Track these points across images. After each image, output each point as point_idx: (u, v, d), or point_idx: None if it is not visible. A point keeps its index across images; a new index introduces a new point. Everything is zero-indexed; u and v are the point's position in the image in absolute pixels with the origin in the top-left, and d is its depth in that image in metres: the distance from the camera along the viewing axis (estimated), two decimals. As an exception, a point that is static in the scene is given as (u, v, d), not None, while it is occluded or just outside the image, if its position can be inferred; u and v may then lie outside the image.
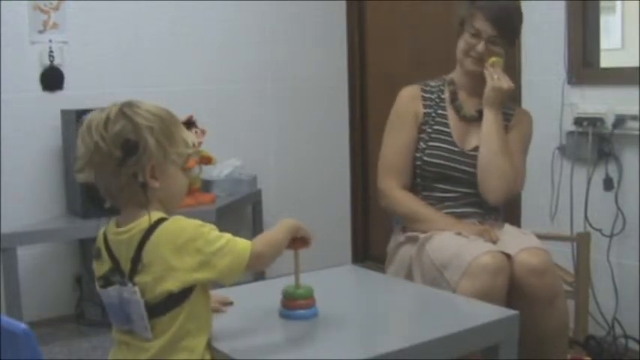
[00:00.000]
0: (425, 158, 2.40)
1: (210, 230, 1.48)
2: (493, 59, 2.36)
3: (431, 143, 2.41)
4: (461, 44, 2.41)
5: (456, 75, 2.49)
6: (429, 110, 2.46)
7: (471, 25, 2.36)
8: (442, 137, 2.42)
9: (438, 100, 2.47)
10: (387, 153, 2.47)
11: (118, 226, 1.51)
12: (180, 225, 1.47)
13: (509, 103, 2.50)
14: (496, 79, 2.34)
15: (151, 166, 1.46)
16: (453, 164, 2.39)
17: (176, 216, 1.49)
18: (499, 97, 2.36)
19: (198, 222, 1.48)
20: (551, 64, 3.04)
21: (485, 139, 2.35)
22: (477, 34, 2.36)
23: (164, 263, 1.44)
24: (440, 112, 2.45)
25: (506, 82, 2.35)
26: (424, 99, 2.47)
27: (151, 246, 1.45)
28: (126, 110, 1.46)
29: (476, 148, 2.38)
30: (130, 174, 1.45)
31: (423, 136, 2.43)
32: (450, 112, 2.45)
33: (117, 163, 1.44)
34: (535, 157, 2.96)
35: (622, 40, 3.26)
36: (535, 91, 3.14)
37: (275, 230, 1.62)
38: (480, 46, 2.36)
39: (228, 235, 1.49)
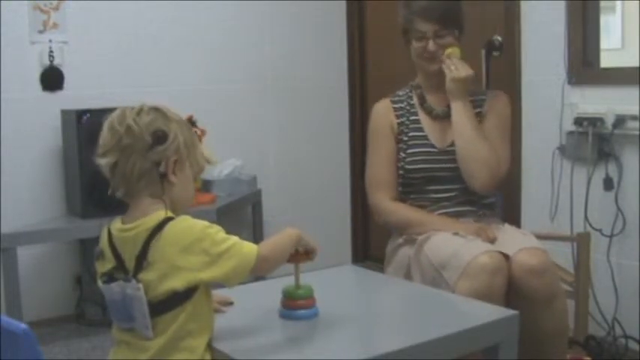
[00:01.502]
0: (407, 167, 2.41)
1: (218, 232, 1.49)
2: (449, 50, 2.38)
3: (409, 150, 2.43)
4: (412, 51, 2.44)
5: (420, 79, 2.52)
6: (402, 119, 2.48)
7: (414, 30, 2.39)
8: (419, 142, 2.43)
9: (408, 107, 2.49)
10: (371, 169, 2.50)
11: (124, 223, 1.51)
12: (188, 224, 1.48)
13: (478, 89, 2.50)
14: (453, 69, 2.35)
15: (175, 159, 1.51)
16: (435, 165, 2.40)
17: (183, 215, 1.51)
18: (460, 87, 2.36)
19: (205, 223, 1.49)
20: (551, 64, 3.04)
21: (458, 129, 2.36)
22: (422, 36, 2.38)
23: (169, 262, 1.45)
24: (412, 118, 2.47)
25: (464, 71, 2.36)
26: (395, 109, 2.50)
27: (158, 244, 1.46)
28: (158, 107, 1.54)
29: (453, 143, 2.39)
30: (155, 161, 1.49)
31: (401, 145, 2.45)
32: (422, 116, 2.47)
33: (145, 148, 1.48)
34: (535, 157, 2.97)
35: (622, 40, 3.25)
36: (535, 91, 3.14)
37: (279, 236, 1.63)
38: (430, 45, 2.38)
39: (234, 238, 1.51)
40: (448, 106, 2.41)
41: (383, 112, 2.51)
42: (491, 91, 2.56)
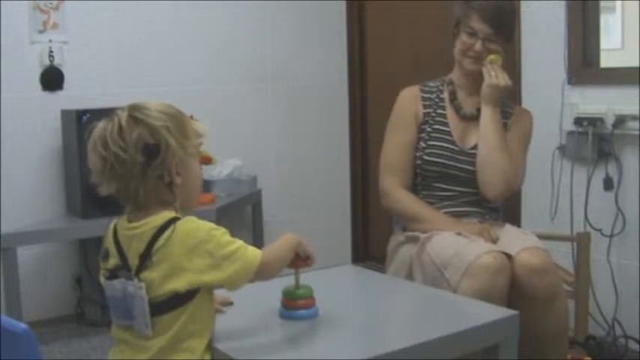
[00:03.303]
0: (425, 157, 2.40)
1: (223, 234, 1.49)
2: (492, 57, 2.37)
3: (430, 142, 2.42)
4: (458, 45, 2.42)
5: (455, 75, 2.50)
6: (428, 110, 2.46)
7: (467, 25, 2.37)
8: (442, 136, 2.42)
9: (437, 100, 2.47)
10: (388, 153, 2.47)
11: (130, 221, 1.51)
12: (194, 226, 1.47)
13: (509, 102, 2.51)
14: (493, 76, 2.35)
15: (175, 164, 1.47)
16: (452, 163, 2.39)
17: (189, 217, 1.50)
18: (496, 94, 2.36)
19: (211, 225, 1.48)
20: (551, 64, 3.04)
21: (483, 135, 2.36)
22: (473, 34, 2.37)
23: (173, 262, 1.44)
24: (439, 111, 2.46)
25: (503, 79, 2.36)
26: (423, 99, 2.48)
27: (162, 244, 1.45)
28: (137, 115, 1.45)
29: (476, 147, 2.39)
30: (157, 176, 1.46)
31: (422, 135, 2.44)
32: (450, 112, 2.46)
33: (142, 169, 1.44)
34: (535, 157, 2.95)
35: (622, 40, 3.26)
36: (535, 91, 3.14)
37: (280, 242, 1.62)
38: (478, 45, 2.37)
39: (239, 242, 1.50)
40: (478, 109, 2.41)
41: (410, 99, 2.49)
42: (520, 107, 2.59)
